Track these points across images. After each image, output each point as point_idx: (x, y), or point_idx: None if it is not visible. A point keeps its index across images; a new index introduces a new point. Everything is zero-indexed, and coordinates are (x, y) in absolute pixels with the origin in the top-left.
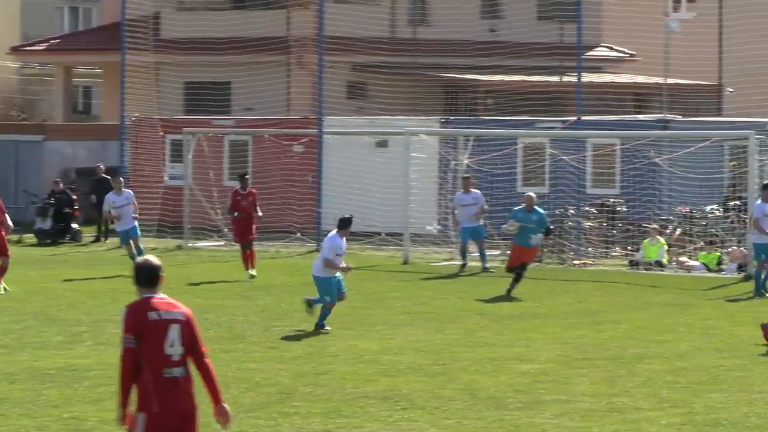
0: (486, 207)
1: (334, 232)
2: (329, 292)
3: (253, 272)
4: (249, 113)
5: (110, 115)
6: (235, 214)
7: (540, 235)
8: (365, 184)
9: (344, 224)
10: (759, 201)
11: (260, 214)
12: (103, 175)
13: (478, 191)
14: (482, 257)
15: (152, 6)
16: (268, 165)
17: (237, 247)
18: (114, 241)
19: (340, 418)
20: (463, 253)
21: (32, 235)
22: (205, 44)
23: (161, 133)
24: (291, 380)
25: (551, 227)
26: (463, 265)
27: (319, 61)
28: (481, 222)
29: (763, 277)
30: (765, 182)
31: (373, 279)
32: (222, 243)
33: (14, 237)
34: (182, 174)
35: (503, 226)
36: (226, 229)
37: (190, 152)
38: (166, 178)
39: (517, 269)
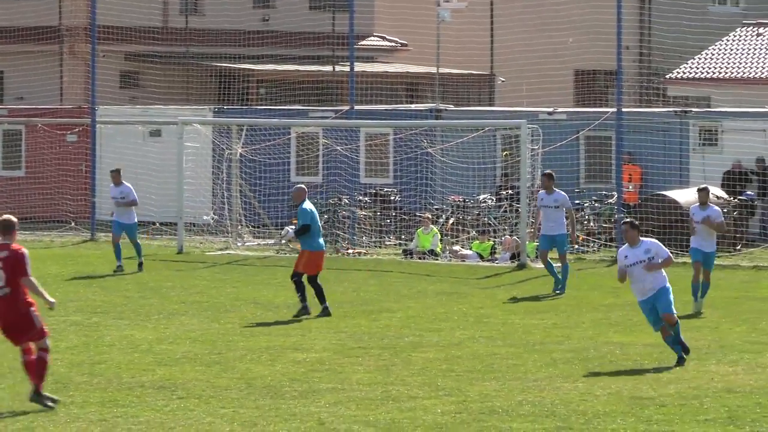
0: (572, 210)
1: None
2: None
3: None
4: (21, 102)
5: None
6: None
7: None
8: (139, 173)
9: None
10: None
11: None
12: None
13: (562, 192)
14: (563, 274)
15: None
16: (41, 154)
17: None
18: None
19: (117, 407)
20: (549, 267)
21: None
22: None
23: None
24: (66, 370)
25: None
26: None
27: (92, 51)
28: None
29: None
30: (546, 171)
31: (149, 269)
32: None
33: None
34: None
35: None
36: None
37: None
38: None
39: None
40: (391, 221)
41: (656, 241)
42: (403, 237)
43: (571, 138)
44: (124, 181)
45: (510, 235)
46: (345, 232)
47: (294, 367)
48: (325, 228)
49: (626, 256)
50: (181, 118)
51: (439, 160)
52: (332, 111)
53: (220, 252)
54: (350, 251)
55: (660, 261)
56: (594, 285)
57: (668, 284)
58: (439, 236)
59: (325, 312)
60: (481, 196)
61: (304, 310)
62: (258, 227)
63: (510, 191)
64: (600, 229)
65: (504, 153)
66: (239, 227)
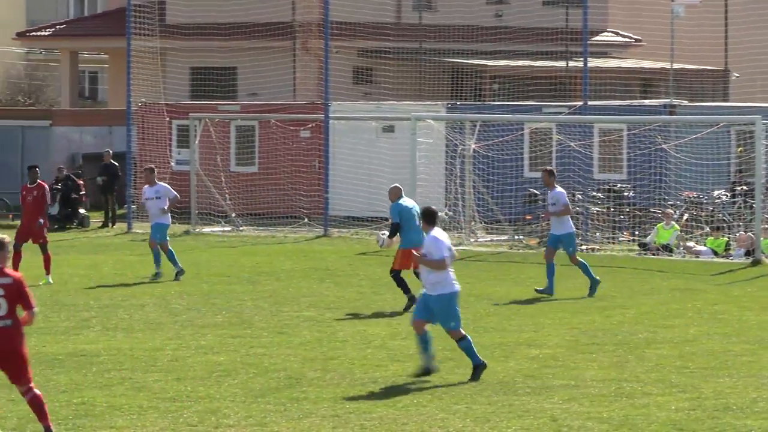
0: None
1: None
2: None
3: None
4: (255, 98)
5: (116, 101)
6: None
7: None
8: (372, 169)
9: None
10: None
11: (41, 221)
12: (111, 161)
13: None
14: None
15: None
16: (275, 150)
17: (246, 232)
18: (122, 226)
19: (349, 403)
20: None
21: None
22: (211, 29)
23: (167, 119)
24: (299, 365)
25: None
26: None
27: (325, 47)
28: None
29: None
30: (548, 167)
31: (381, 264)
32: (229, 228)
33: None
34: (189, 159)
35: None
36: (233, 215)
37: (197, 137)
38: (172, 164)
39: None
40: (624, 217)
41: None
42: (636, 233)
43: None
44: (158, 181)
45: (744, 232)
46: (578, 228)
47: (527, 363)
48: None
49: None
50: (415, 114)
51: (673, 156)
52: (565, 107)
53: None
54: (584, 247)
55: None
56: None
57: None
58: (679, 232)
59: (412, 301)
60: (716, 192)
61: (411, 302)
62: (491, 223)
63: (744, 187)
64: None
65: (739, 149)
66: (472, 223)
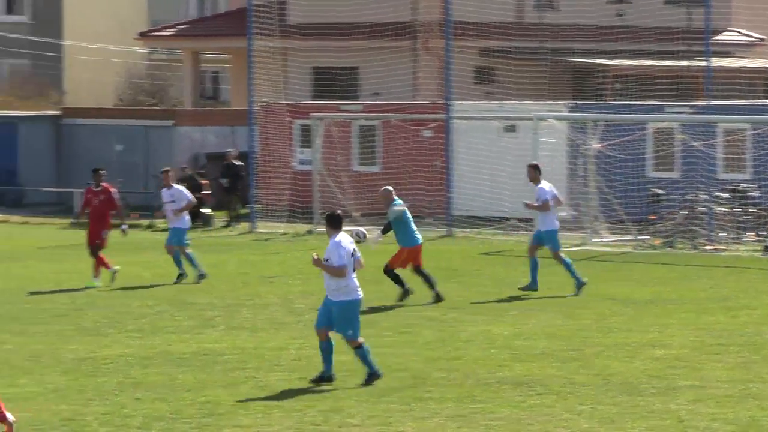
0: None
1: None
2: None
3: (97, 282)
4: (376, 98)
5: (238, 101)
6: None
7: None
8: (494, 168)
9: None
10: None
11: (124, 227)
12: (234, 161)
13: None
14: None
15: None
16: (396, 150)
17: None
18: (245, 225)
19: (473, 403)
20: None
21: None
22: (332, 29)
23: (289, 119)
24: (423, 365)
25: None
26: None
27: (446, 46)
28: None
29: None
30: (533, 163)
31: (505, 264)
32: (352, 228)
33: (145, 222)
34: (311, 159)
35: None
36: (356, 214)
37: (319, 137)
38: (295, 163)
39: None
40: (749, 217)
41: None
42: (762, 233)
43: None
44: (173, 184)
45: None
46: (703, 228)
47: (652, 363)
48: (682, 224)
49: None
50: (536, 114)
51: None
52: (688, 106)
53: (576, 247)
54: (708, 247)
55: None
56: None
57: None
58: None
59: (437, 298)
60: None
61: (406, 294)
62: (614, 223)
63: None
64: None
65: None
66: (596, 223)
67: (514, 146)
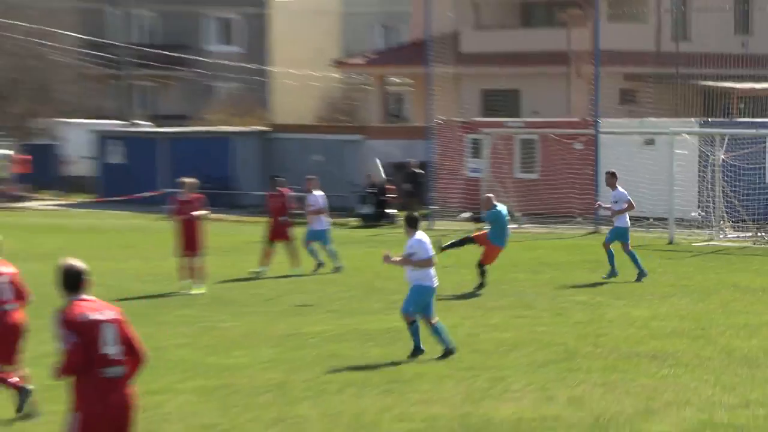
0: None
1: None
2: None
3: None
4: (536, 116)
5: (418, 118)
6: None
7: None
8: (635, 176)
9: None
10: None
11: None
12: (414, 169)
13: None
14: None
15: (453, 25)
16: (552, 160)
17: (528, 229)
18: (424, 224)
19: (616, 373)
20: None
21: (356, 218)
22: (498, 58)
23: (461, 133)
24: (574, 341)
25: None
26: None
27: (595, 72)
28: None
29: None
30: (610, 170)
31: (643, 257)
32: (515, 226)
33: (340, 220)
34: (480, 168)
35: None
36: (518, 214)
37: (487, 149)
38: (466, 172)
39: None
40: None
41: None
42: None
43: None
44: (313, 191)
45: None
46: None
47: None
48: None
49: None
50: (672, 129)
51: None
52: None
53: (705, 243)
54: None
55: None
56: None
57: None
58: None
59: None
60: None
61: (480, 286)
62: (738, 222)
63: None
64: None
65: None
66: (721, 222)
67: (652, 157)
